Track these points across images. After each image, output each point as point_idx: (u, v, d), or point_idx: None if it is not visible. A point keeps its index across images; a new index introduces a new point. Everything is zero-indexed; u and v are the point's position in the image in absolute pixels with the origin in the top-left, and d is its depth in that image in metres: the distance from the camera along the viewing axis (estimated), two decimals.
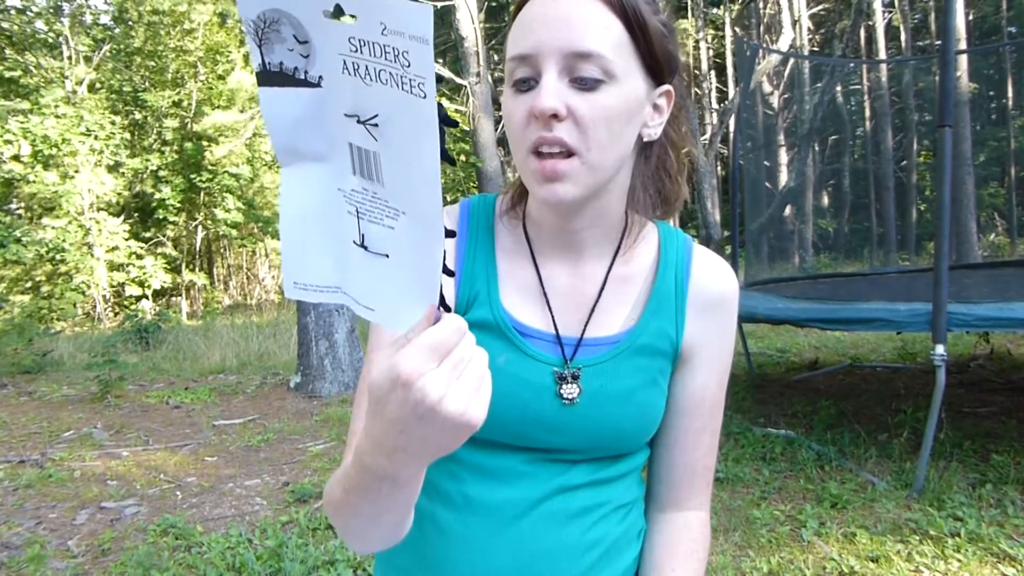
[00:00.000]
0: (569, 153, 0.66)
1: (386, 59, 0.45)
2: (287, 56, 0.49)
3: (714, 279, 0.80)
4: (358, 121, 0.49)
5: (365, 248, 0.52)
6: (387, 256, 0.51)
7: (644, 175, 0.77)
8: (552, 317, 0.76)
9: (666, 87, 0.73)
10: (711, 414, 0.81)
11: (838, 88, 14.87)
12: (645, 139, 0.73)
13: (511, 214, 0.80)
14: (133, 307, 11.78)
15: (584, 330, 0.76)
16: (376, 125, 0.48)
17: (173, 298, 14.80)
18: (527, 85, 0.67)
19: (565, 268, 0.77)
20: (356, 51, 0.46)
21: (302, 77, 0.50)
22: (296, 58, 0.49)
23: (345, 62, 0.47)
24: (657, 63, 0.70)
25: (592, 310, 0.76)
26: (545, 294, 0.77)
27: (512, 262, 0.78)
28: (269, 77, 0.50)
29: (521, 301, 0.77)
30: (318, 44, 0.48)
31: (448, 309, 0.51)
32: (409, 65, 0.44)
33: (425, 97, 0.44)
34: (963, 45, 13.44)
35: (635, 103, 0.69)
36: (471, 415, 0.48)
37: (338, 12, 0.46)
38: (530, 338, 0.75)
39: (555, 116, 0.64)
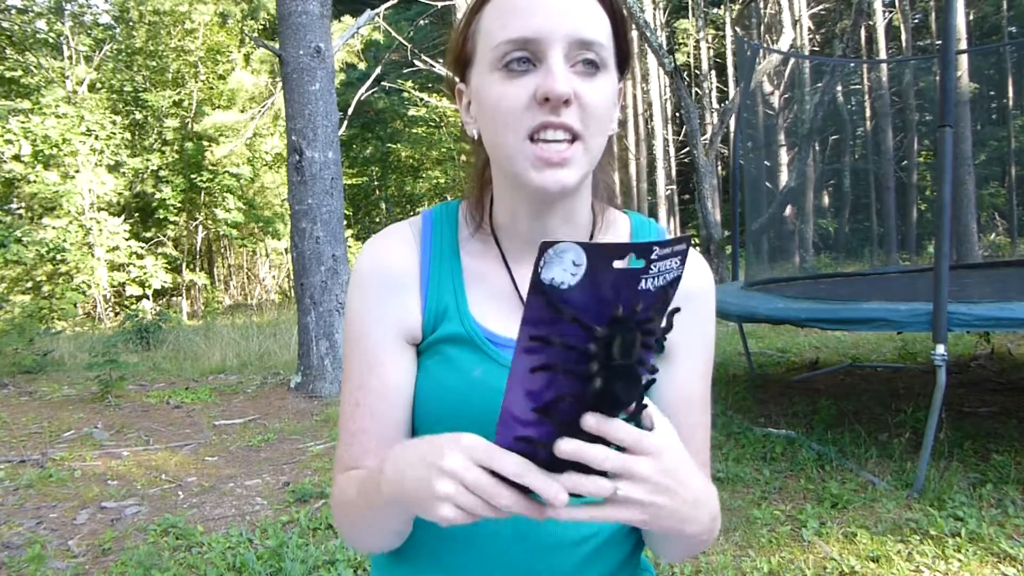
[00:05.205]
0: (573, 138, 0.66)
1: None
2: None
3: (690, 273, 0.78)
4: None
5: None
6: None
7: (600, 166, 0.76)
8: None
9: (621, 83, 0.75)
10: (701, 410, 0.79)
11: (838, 88, 14.88)
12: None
13: (477, 219, 0.78)
14: (133, 307, 11.78)
15: None
16: None
17: (173, 298, 14.82)
18: (524, 67, 0.66)
19: None
20: None
21: None
22: None
23: None
24: (625, 58, 0.72)
25: None
26: (522, 299, 0.75)
27: (483, 269, 0.77)
28: None
29: (494, 310, 0.75)
30: None
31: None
32: None
33: None
34: (963, 45, 13.43)
35: (616, 93, 0.72)
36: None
37: None
38: (504, 348, 0.74)
39: (566, 101, 0.65)
